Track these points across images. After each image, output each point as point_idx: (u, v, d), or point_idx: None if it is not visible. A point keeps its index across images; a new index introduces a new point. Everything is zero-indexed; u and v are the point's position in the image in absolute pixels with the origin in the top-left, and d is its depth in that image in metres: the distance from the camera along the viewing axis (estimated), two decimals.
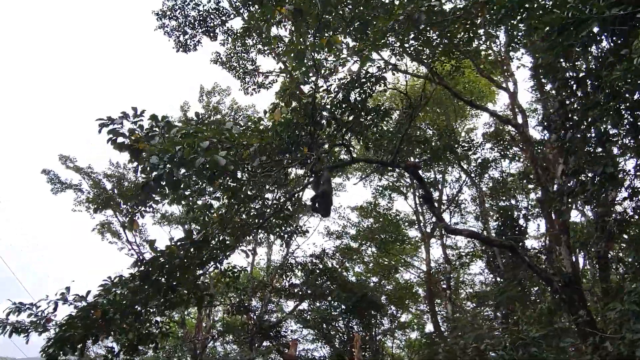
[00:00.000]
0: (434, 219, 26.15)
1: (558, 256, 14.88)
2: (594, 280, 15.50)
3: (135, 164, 5.38)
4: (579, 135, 12.42)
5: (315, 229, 30.70)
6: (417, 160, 10.60)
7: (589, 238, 16.63)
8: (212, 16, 16.85)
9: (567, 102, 11.98)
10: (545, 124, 16.38)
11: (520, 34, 15.21)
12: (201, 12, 16.77)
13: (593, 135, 11.54)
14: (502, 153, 21.98)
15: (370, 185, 28.03)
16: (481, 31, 17.55)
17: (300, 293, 25.10)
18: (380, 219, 27.06)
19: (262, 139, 6.90)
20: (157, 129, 5.21)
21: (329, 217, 7.96)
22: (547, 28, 10.77)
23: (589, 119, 11.22)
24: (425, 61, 9.87)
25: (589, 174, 11.54)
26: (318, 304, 25.03)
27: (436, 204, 25.99)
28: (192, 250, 7.29)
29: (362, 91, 8.87)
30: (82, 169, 23.68)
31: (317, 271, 24.12)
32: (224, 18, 17.05)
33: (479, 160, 22.37)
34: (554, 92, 14.95)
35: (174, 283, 6.92)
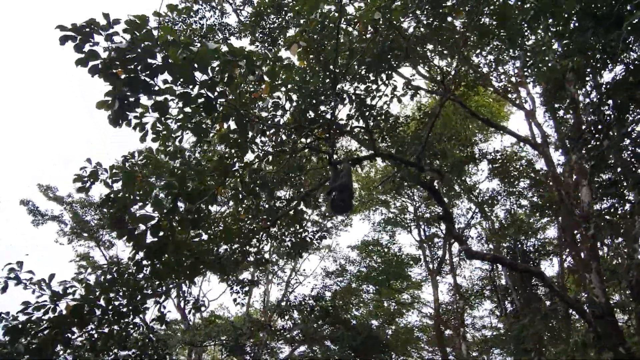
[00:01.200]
0: (440, 253, 24.93)
1: (588, 284, 13.60)
2: (629, 312, 14.19)
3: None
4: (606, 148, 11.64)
5: (314, 270, 29.26)
6: (437, 170, 9.55)
7: (620, 266, 15.48)
8: None
9: (599, 111, 11.23)
10: (566, 143, 15.67)
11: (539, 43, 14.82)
12: None
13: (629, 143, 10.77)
14: (509, 190, 21.22)
15: (370, 221, 26.99)
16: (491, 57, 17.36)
17: (299, 337, 23.37)
18: (382, 257, 25.78)
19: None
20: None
21: (349, 213, 6.80)
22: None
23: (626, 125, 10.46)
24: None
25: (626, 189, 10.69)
26: (318, 348, 23.25)
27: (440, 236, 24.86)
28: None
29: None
30: (63, 198, 22.44)
31: (317, 312, 22.50)
32: None
33: (486, 197, 21.60)
34: (584, 99, 14.34)
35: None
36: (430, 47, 12.85)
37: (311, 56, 6.11)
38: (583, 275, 13.98)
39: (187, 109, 4.48)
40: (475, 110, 15.23)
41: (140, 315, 6.50)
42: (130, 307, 5.85)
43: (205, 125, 4.96)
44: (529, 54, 15.98)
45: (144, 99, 4.19)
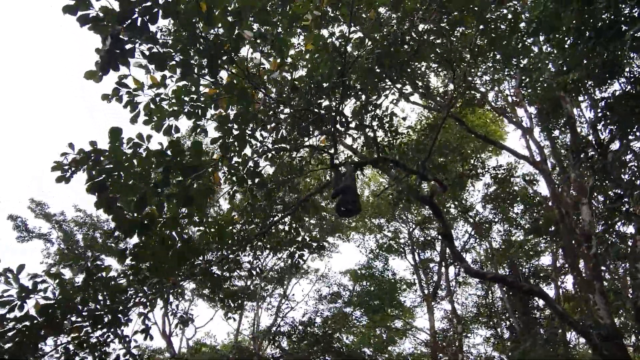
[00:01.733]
0: (435, 278, 24.34)
1: (592, 305, 13.13)
2: (636, 334, 13.72)
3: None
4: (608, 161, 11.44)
5: (307, 293, 28.44)
6: (440, 184, 9.17)
7: (624, 287, 15.10)
8: None
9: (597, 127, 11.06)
10: (562, 162, 15.48)
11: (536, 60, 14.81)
12: None
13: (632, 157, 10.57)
14: (504, 216, 20.97)
15: (364, 248, 26.47)
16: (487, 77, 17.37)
17: None
18: (376, 283, 25.11)
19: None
20: None
21: (357, 215, 6.32)
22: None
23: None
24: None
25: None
26: None
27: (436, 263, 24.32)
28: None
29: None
30: (54, 215, 21.63)
31: (308, 339, 21.63)
32: None
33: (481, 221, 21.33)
34: (584, 113, 14.25)
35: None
36: (425, 63, 12.77)
37: (322, 32, 5.74)
38: (587, 296, 13.51)
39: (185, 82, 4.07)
40: (472, 128, 15.04)
41: (122, 327, 5.86)
42: (111, 314, 5.24)
43: (202, 105, 4.53)
44: (524, 74, 16.02)
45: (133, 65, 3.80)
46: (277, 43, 4.42)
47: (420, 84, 14.94)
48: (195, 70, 4.31)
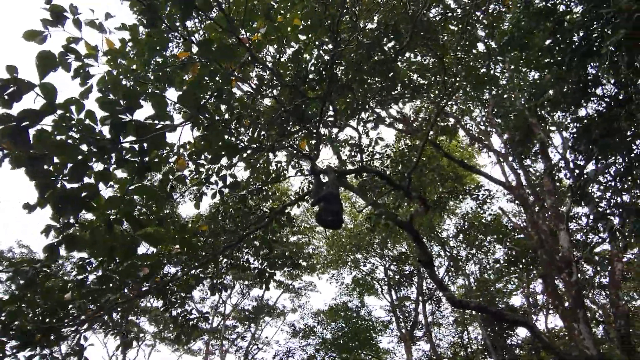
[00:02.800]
0: (412, 317, 23.47)
1: (577, 335, 12.64)
2: None
3: None
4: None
5: (279, 328, 26.99)
6: (424, 202, 8.70)
7: (607, 315, 14.73)
8: None
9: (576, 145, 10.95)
10: (536, 190, 15.38)
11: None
12: None
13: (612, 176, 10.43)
14: (480, 246, 20.74)
15: (339, 282, 25.51)
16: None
17: None
18: (351, 323, 24.01)
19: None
20: None
21: (339, 227, 5.67)
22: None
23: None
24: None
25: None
26: None
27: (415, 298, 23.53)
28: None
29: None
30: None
31: None
32: None
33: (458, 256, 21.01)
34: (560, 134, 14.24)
35: None
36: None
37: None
38: (571, 325, 13.04)
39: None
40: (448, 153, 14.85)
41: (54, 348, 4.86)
42: (43, 332, 4.30)
43: (171, 63, 3.82)
44: (495, 103, 16.19)
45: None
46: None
47: (396, 108, 14.77)
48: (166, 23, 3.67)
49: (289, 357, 22.23)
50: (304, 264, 22.94)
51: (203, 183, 5.55)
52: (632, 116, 9.82)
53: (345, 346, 23.78)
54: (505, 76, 16.30)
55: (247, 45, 3.99)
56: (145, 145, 3.05)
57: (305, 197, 7.32)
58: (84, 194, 2.99)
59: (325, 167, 6.01)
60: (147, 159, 3.08)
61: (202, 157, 4.97)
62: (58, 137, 2.87)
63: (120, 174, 3.37)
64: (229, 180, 5.39)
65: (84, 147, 2.91)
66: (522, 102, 15.09)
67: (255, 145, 5.47)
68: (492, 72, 15.63)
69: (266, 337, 26.67)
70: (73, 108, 2.93)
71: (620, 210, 9.65)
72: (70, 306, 4.65)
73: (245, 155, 5.62)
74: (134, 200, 3.28)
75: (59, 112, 2.88)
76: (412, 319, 22.65)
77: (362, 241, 22.62)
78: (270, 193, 6.87)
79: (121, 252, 3.51)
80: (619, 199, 10.12)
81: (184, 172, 4.74)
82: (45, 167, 2.84)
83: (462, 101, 16.89)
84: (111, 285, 4.68)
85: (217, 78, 3.59)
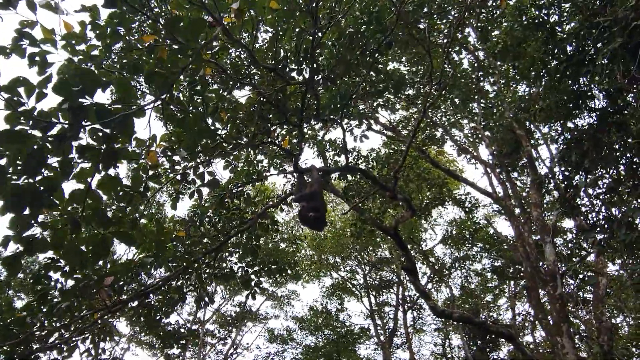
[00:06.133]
0: (391, 324, 23.21)
1: (561, 349, 12.46)
2: None
3: None
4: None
5: (258, 333, 26.48)
6: (409, 205, 8.43)
7: (590, 329, 14.63)
8: None
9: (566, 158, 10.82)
10: (522, 202, 15.28)
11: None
12: None
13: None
14: (465, 254, 20.67)
15: (320, 284, 25.20)
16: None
17: None
18: (331, 327, 23.66)
19: None
20: None
21: (322, 228, 5.34)
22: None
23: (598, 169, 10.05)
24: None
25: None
26: None
27: (398, 302, 23.28)
28: None
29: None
30: None
31: None
32: None
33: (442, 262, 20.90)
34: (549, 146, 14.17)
35: None
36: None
37: None
38: (555, 340, 12.86)
39: None
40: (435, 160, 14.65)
41: None
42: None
43: (135, 48, 3.40)
44: (484, 115, 16.09)
45: None
46: None
47: (385, 115, 14.50)
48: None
49: None
50: (290, 271, 22.51)
51: (179, 182, 5.15)
52: (622, 129, 9.75)
53: (325, 352, 23.46)
54: (494, 88, 16.23)
55: (219, 22, 3.62)
56: (109, 132, 2.65)
57: (289, 199, 6.98)
58: (42, 189, 2.59)
59: (310, 165, 5.69)
60: (114, 145, 2.68)
61: (177, 153, 4.58)
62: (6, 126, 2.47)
63: (82, 167, 2.97)
64: (207, 178, 5.01)
65: (38, 135, 2.51)
66: (511, 115, 15.00)
67: (234, 142, 5.09)
68: (481, 84, 15.57)
69: (247, 343, 26.11)
70: (22, 91, 2.53)
71: (610, 222, 9.53)
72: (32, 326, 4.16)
73: (223, 152, 5.23)
74: (100, 196, 2.87)
75: (5, 95, 2.47)
76: (390, 328, 22.39)
77: (344, 246, 22.34)
78: (252, 195, 6.49)
79: (92, 254, 3.08)
80: (607, 212, 10.01)
81: (158, 170, 4.33)
82: None
83: (451, 112, 16.77)
84: (79, 300, 4.23)
85: (188, 57, 3.19)
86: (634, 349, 14.72)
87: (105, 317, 5.17)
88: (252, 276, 6.28)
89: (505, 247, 16.16)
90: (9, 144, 2.43)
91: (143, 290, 5.22)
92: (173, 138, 4.51)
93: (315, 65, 4.84)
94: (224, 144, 5.03)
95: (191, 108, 4.14)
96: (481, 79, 14.18)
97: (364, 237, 15.68)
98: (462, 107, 15.87)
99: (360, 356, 25.89)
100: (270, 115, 5.02)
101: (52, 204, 2.67)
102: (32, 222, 2.77)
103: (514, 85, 15.74)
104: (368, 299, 23.52)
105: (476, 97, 15.24)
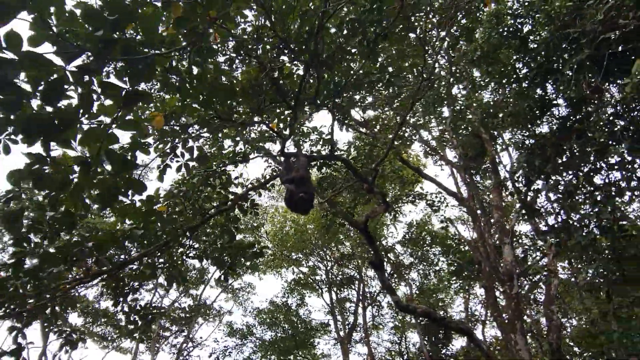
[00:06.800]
0: (351, 319, 23.49)
1: (514, 346, 13.03)
2: None
3: None
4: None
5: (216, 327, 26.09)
6: (384, 200, 8.59)
7: (539, 327, 15.35)
8: None
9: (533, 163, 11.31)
10: (483, 205, 15.87)
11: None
12: None
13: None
14: (422, 256, 21.23)
15: (282, 278, 25.15)
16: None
17: None
18: (289, 321, 23.69)
19: None
20: None
21: (309, 212, 5.35)
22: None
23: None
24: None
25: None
26: None
27: (358, 299, 23.59)
28: None
29: None
30: None
31: None
32: None
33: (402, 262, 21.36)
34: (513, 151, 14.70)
35: None
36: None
37: None
38: (509, 337, 13.43)
39: None
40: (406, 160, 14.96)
41: None
42: None
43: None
44: (452, 120, 16.57)
45: None
46: None
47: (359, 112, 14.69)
48: None
49: (226, 356, 21.54)
50: (257, 260, 22.29)
51: (168, 154, 5.04)
52: (581, 137, 10.31)
53: (284, 347, 23.47)
54: (463, 93, 16.74)
55: None
56: (133, 71, 2.56)
57: (270, 184, 6.96)
58: (58, 121, 2.45)
59: (296, 150, 5.71)
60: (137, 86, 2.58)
61: (179, 121, 4.48)
62: (30, 48, 2.33)
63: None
64: (196, 153, 4.92)
65: (61, 64, 2.38)
66: (477, 119, 15.51)
67: (227, 119, 5.02)
68: (452, 89, 16.04)
69: (200, 337, 25.64)
70: (52, 11, 2.39)
71: (567, 225, 10.06)
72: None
73: (215, 127, 5.14)
74: (117, 138, 2.73)
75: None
76: (350, 324, 22.68)
77: (306, 242, 22.40)
78: (235, 177, 6.43)
79: (99, 199, 2.93)
80: (565, 216, 10.53)
81: (148, 140, 4.23)
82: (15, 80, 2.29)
83: (420, 113, 17.15)
84: (56, 266, 4.06)
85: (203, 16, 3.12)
86: (575, 348, 15.53)
87: (76, 286, 5.03)
88: (228, 258, 6.22)
89: (465, 248, 16.72)
90: (30, 68, 2.30)
91: (123, 261, 5.10)
92: (179, 103, 4.40)
93: (319, 45, 4.84)
94: (215, 120, 4.97)
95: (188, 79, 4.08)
96: (453, 82, 14.59)
97: (331, 232, 15.80)
98: (432, 110, 16.28)
99: (319, 351, 26.09)
100: (265, 96, 4.98)
101: (66, 140, 2.53)
102: (45, 156, 2.63)
103: (479, 93, 16.29)
104: (329, 294, 23.70)
105: (446, 101, 15.68)
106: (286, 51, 4.99)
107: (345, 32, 5.19)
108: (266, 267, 24.66)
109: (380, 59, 6.80)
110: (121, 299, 5.86)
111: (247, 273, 26.18)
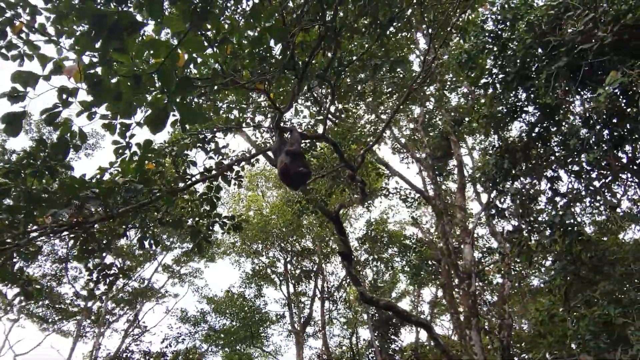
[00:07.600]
0: (306, 312, 23.51)
1: (469, 341, 13.47)
2: None
3: None
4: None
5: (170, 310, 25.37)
6: (363, 190, 8.66)
7: (493, 325, 15.91)
8: None
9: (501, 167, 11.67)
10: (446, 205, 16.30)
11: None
12: None
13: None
14: (378, 256, 21.63)
15: (240, 268, 24.82)
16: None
17: None
18: (244, 311, 23.45)
19: None
20: None
21: (303, 187, 5.26)
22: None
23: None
24: None
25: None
26: None
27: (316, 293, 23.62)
28: None
29: None
30: None
31: None
32: None
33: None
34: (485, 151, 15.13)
35: None
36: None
37: None
38: (464, 332, 13.85)
39: None
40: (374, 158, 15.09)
41: None
42: None
43: None
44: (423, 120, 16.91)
45: None
46: None
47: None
48: None
49: (178, 342, 21.01)
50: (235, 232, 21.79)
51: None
52: (546, 143, 10.78)
53: (236, 336, 23.25)
54: (435, 95, 17.11)
55: None
56: None
57: (255, 158, 6.81)
58: (122, 25, 2.22)
59: (290, 125, 5.61)
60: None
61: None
62: None
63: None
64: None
65: None
66: (447, 121, 15.90)
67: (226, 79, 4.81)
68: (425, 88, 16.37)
69: (143, 322, 24.65)
70: None
71: (531, 226, 10.49)
72: None
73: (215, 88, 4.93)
74: (178, 54, 2.52)
75: None
76: (305, 316, 22.71)
77: (268, 233, 22.22)
78: (222, 146, 6.22)
79: (149, 122, 2.68)
80: (530, 217, 10.95)
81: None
82: None
83: (390, 110, 17.35)
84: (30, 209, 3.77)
85: None
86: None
87: (47, 235, 4.76)
88: (208, 227, 6.04)
89: (425, 246, 17.14)
90: None
91: (109, 212, 4.83)
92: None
93: (334, 15, 4.73)
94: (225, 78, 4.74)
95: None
96: (427, 81, 14.85)
97: (296, 224, 15.68)
98: (405, 107, 16.55)
99: (272, 343, 26.01)
100: (274, 60, 4.79)
101: (124, 49, 2.31)
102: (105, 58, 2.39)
103: (449, 96, 16.71)
104: (287, 287, 23.63)
105: (419, 101, 15.96)
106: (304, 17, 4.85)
107: (355, 11, 5.12)
108: (222, 254, 24.30)
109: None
110: (87, 255, 5.54)
111: (203, 260, 25.67)
